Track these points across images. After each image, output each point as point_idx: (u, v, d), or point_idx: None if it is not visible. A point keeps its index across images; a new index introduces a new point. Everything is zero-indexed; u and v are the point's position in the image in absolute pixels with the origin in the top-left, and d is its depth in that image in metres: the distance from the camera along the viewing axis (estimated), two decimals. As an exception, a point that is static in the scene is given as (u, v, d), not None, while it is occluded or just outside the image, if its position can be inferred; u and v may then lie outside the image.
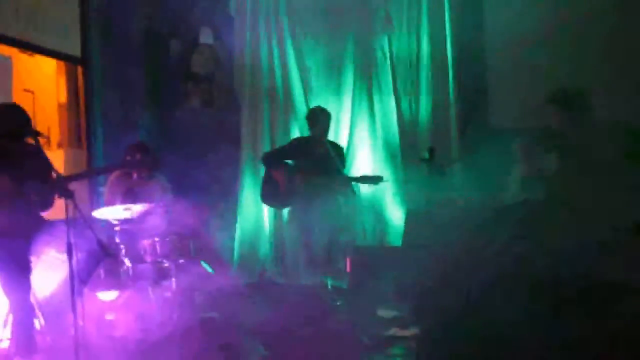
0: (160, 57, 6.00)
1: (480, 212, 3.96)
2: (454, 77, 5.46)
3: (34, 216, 3.40)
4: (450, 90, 5.47)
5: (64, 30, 5.22)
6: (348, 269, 4.66)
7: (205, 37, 5.67)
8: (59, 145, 5.50)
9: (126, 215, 4.22)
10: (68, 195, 2.87)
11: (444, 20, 5.49)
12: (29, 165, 3.24)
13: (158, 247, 4.29)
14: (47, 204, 3.37)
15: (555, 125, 3.85)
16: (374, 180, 4.80)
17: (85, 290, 3.47)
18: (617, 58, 5.07)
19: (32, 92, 5.48)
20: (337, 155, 4.94)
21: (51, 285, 3.35)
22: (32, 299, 3.27)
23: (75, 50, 5.37)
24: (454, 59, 5.46)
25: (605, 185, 3.33)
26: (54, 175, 3.16)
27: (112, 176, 4.78)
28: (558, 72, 5.15)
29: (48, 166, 3.16)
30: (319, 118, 5.02)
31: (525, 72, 5.31)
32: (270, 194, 5.07)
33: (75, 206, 2.86)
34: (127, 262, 4.20)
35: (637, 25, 5.09)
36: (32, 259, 3.32)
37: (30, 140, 3.16)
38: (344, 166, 5.04)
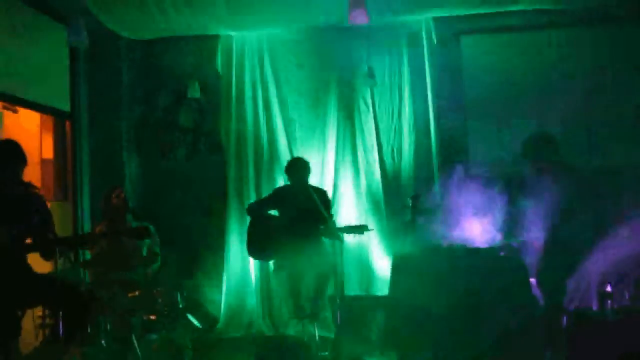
0: (147, 110, 6.10)
1: (464, 256, 4.04)
2: (436, 126, 5.60)
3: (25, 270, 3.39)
4: (432, 139, 5.60)
5: (54, 86, 5.31)
6: (337, 319, 4.63)
7: (193, 90, 5.77)
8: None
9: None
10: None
11: (425, 73, 5.64)
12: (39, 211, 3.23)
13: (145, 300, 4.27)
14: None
15: (530, 172, 4.06)
16: (359, 229, 4.68)
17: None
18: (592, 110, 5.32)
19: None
20: (321, 201, 4.95)
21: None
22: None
23: (65, 105, 5.46)
24: (434, 109, 5.60)
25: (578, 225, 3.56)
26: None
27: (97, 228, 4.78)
28: (533, 121, 5.37)
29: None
30: (294, 168, 5.05)
31: (503, 122, 5.50)
32: (256, 244, 5.08)
33: (76, 258, 2.89)
34: (113, 315, 4.16)
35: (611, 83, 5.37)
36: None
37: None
38: (329, 210, 4.99)
